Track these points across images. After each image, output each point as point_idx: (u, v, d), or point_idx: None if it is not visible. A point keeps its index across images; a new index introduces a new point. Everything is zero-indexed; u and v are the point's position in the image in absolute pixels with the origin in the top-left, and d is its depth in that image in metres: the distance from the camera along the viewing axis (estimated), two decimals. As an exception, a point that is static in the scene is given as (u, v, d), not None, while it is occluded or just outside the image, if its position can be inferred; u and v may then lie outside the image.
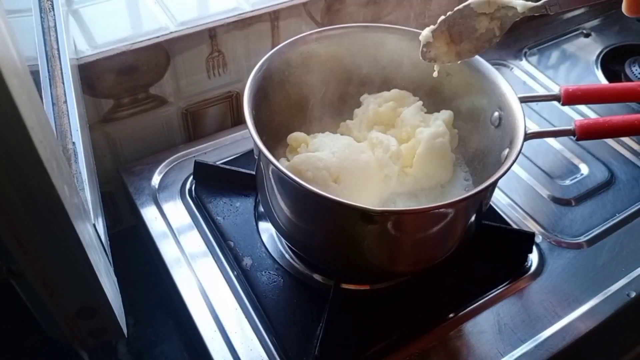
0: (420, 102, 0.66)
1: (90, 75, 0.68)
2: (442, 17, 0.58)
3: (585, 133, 0.58)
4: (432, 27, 0.59)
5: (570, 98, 0.60)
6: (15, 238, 0.29)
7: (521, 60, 0.97)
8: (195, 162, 0.72)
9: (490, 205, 0.71)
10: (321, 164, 0.57)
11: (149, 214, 0.70)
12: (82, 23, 0.72)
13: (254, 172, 0.69)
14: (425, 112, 0.66)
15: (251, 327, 0.60)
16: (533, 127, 0.82)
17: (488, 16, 0.56)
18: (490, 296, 0.64)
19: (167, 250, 0.66)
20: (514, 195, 0.75)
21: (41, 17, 0.56)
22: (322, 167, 0.56)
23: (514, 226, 0.71)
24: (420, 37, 0.59)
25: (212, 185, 0.72)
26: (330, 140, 0.61)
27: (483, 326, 0.61)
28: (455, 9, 0.58)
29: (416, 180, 0.62)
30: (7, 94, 0.24)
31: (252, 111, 0.55)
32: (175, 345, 0.78)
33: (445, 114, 0.65)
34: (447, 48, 0.58)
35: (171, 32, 0.72)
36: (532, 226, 0.71)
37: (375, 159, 0.60)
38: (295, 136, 0.63)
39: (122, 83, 0.71)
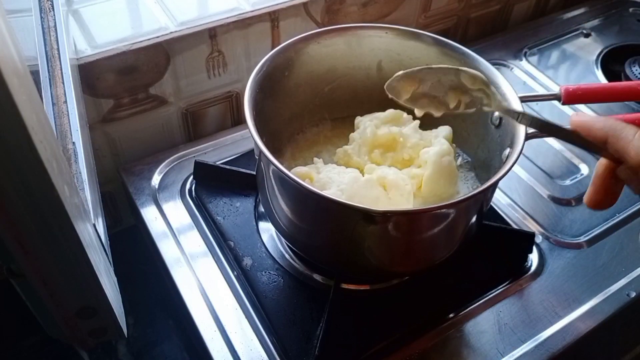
0: (417, 122, 0.65)
1: (90, 75, 0.68)
2: (424, 67, 0.58)
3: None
4: (408, 70, 0.58)
5: (571, 97, 0.60)
6: (15, 238, 0.29)
7: (521, 60, 0.97)
8: (195, 162, 0.72)
9: (491, 206, 0.71)
10: None
11: (149, 214, 0.70)
12: (82, 23, 0.72)
13: (254, 172, 0.69)
14: (423, 130, 0.65)
15: (251, 327, 0.60)
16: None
17: (461, 90, 0.57)
18: (490, 296, 0.64)
19: (167, 250, 0.66)
20: (514, 195, 0.75)
21: (41, 17, 0.56)
22: None
23: (514, 226, 0.71)
24: (397, 74, 0.59)
25: (212, 185, 0.72)
26: (337, 174, 0.60)
27: (483, 326, 0.61)
28: (441, 66, 0.58)
29: (424, 200, 0.61)
30: (7, 94, 0.24)
31: (252, 111, 0.55)
32: (175, 345, 0.78)
33: (445, 130, 0.64)
34: (410, 94, 0.59)
35: (171, 32, 0.72)
36: (532, 226, 0.71)
37: (389, 200, 0.58)
38: (299, 171, 0.62)
39: (122, 83, 0.71)
